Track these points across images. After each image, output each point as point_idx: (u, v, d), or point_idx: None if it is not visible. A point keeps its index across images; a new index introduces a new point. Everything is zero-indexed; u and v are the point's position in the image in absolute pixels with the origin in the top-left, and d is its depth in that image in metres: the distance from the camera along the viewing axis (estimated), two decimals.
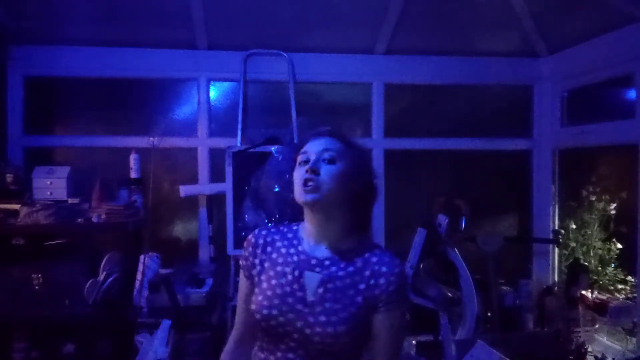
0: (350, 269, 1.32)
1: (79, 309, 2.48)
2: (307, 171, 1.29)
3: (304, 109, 3.08)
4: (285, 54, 3.04)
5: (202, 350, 2.53)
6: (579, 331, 2.72)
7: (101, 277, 2.54)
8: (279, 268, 1.34)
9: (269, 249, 1.38)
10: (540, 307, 3.07)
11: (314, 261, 1.33)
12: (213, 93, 3.13)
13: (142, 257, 2.68)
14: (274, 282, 1.33)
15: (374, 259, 1.35)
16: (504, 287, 3.05)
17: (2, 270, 2.49)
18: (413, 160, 3.27)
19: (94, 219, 2.53)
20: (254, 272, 1.37)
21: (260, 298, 1.32)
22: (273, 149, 2.80)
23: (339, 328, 1.26)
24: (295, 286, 1.31)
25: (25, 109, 2.94)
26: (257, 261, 1.38)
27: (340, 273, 1.32)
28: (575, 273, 2.85)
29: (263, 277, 1.35)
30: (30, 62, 2.91)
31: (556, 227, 3.24)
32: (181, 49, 3.00)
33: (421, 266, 2.62)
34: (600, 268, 2.90)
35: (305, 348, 1.28)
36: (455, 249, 2.63)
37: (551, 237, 3.21)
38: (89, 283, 2.50)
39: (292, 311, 1.29)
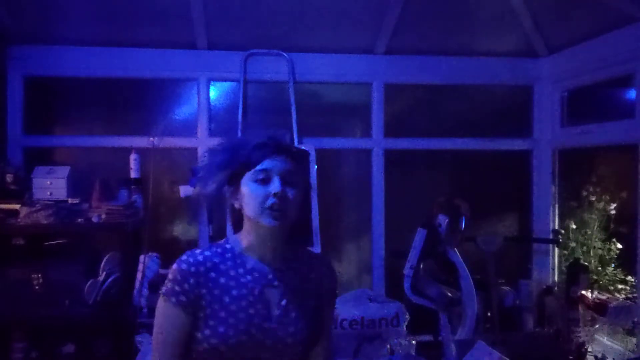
0: (299, 275, 1.38)
1: (78, 309, 2.48)
2: (275, 194, 1.26)
3: (304, 109, 3.08)
4: (285, 54, 3.04)
5: None
6: (579, 331, 2.72)
7: (101, 277, 2.55)
8: (234, 292, 1.29)
9: (212, 274, 1.29)
10: (540, 307, 3.06)
11: (270, 276, 1.33)
12: (213, 93, 3.13)
13: (142, 257, 2.68)
14: (233, 307, 1.28)
15: (314, 261, 1.44)
16: (504, 287, 3.05)
17: (2, 270, 2.50)
18: (413, 160, 3.27)
19: (94, 219, 2.53)
20: (203, 303, 1.27)
21: (222, 329, 1.26)
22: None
23: (305, 333, 1.33)
24: (259, 305, 1.30)
25: (25, 109, 2.93)
26: (203, 291, 1.27)
27: (293, 281, 1.36)
28: (575, 273, 2.85)
29: (217, 307, 1.27)
30: (30, 62, 2.91)
31: (556, 227, 3.24)
32: (181, 49, 3.00)
33: (421, 266, 2.61)
34: (600, 268, 2.90)
35: None
36: (455, 249, 2.63)
37: (551, 237, 3.21)
38: (89, 283, 2.50)
39: (260, 331, 1.28)
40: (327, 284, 1.43)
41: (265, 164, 1.29)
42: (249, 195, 1.29)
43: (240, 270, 1.32)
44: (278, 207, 1.27)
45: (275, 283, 1.33)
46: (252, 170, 1.30)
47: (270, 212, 1.27)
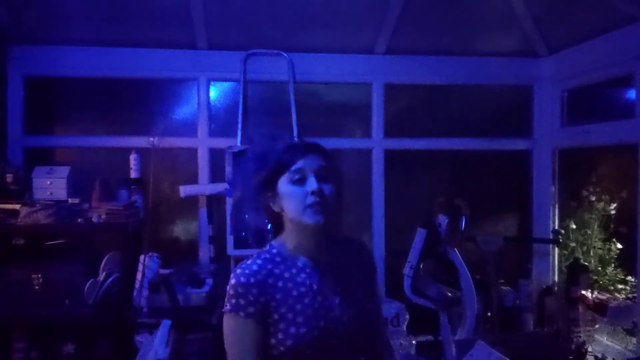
0: (344, 261, 1.43)
1: (79, 309, 2.48)
2: (313, 192, 1.30)
3: (304, 109, 3.08)
4: (285, 54, 3.04)
5: (202, 350, 2.53)
6: (579, 331, 2.72)
7: (101, 277, 2.54)
8: (294, 292, 1.32)
9: (270, 280, 1.31)
10: (540, 307, 3.07)
11: (320, 268, 1.37)
12: (213, 93, 3.13)
13: (142, 257, 2.68)
14: (298, 307, 1.31)
15: (349, 243, 1.51)
16: (504, 287, 3.05)
17: (2, 270, 2.49)
18: (413, 160, 3.27)
19: (94, 219, 2.52)
20: (270, 309, 1.29)
21: (293, 329, 1.28)
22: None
23: (367, 313, 1.38)
24: (319, 298, 1.33)
25: (25, 109, 2.93)
26: (268, 298, 1.30)
27: (341, 269, 1.41)
28: (575, 273, 2.85)
29: (283, 310, 1.30)
30: (30, 62, 2.91)
31: (556, 227, 3.24)
32: (181, 49, 3.00)
33: (421, 266, 2.61)
34: (600, 268, 2.90)
35: (348, 352, 1.33)
36: (455, 249, 2.63)
37: (551, 237, 3.21)
38: (89, 283, 2.50)
39: (329, 322, 1.32)
40: (367, 264, 1.49)
41: (299, 164, 1.33)
42: (289, 196, 1.33)
43: (294, 271, 1.36)
44: (318, 204, 1.30)
45: (327, 274, 1.37)
46: (287, 172, 1.33)
47: (311, 210, 1.30)
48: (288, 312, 1.30)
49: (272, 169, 1.35)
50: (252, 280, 1.29)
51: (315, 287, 1.34)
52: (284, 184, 1.33)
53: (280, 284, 1.32)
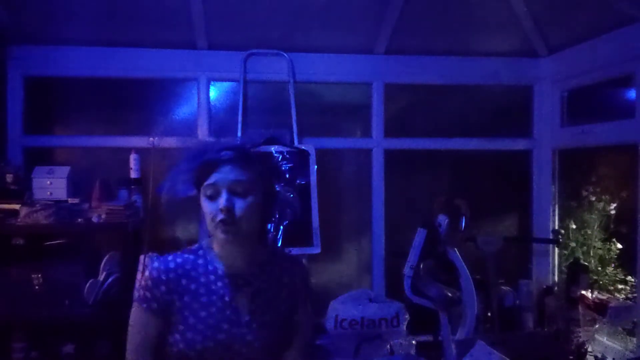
0: (270, 278, 1.38)
1: (78, 309, 2.48)
2: (221, 210, 1.26)
3: (304, 109, 3.08)
4: (285, 54, 3.04)
5: None
6: (579, 331, 2.72)
7: (101, 277, 2.54)
8: (203, 299, 1.31)
9: (183, 281, 1.31)
10: (540, 307, 3.07)
11: (240, 281, 1.34)
12: (213, 93, 3.12)
13: (142, 257, 2.68)
14: (203, 314, 1.29)
15: (286, 264, 1.44)
16: (504, 287, 3.05)
17: (2, 270, 2.49)
18: (413, 160, 3.27)
19: (94, 219, 2.52)
20: (173, 309, 1.29)
21: (190, 334, 1.27)
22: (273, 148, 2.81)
23: (275, 337, 1.33)
24: (228, 311, 1.30)
25: (25, 109, 2.93)
26: (174, 297, 1.30)
27: (264, 285, 1.36)
28: (575, 273, 2.85)
29: (186, 313, 1.29)
30: (30, 62, 2.90)
31: (556, 227, 3.24)
32: (181, 49, 3.00)
33: (421, 266, 2.61)
34: (600, 268, 2.90)
35: None
36: (455, 249, 2.63)
37: (551, 237, 3.21)
38: (89, 283, 2.50)
39: (229, 337, 1.29)
40: (300, 287, 1.42)
41: (212, 178, 1.29)
42: (204, 211, 1.32)
43: (211, 277, 1.33)
44: (227, 222, 1.26)
45: (246, 289, 1.34)
46: (203, 186, 1.31)
47: (220, 227, 1.27)
48: (190, 316, 1.29)
49: (191, 181, 1.33)
50: (163, 277, 1.30)
51: (227, 299, 1.31)
52: (201, 197, 1.32)
53: (192, 286, 1.31)
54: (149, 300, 1.30)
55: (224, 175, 1.29)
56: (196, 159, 1.33)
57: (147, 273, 1.33)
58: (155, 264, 1.33)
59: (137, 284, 1.36)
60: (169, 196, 1.37)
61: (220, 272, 1.34)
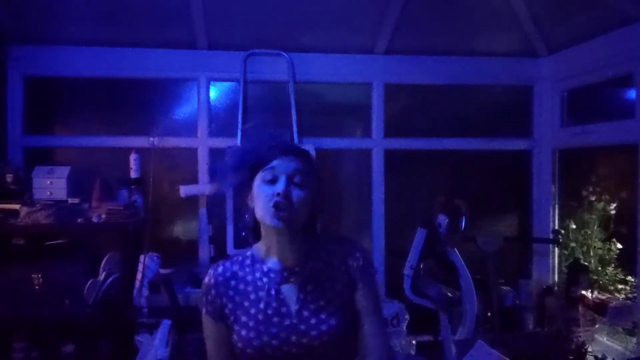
0: (319, 264, 1.36)
1: (79, 309, 2.48)
2: (278, 194, 1.26)
3: (304, 109, 3.08)
4: (285, 54, 3.04)
5: (202, 350, 2.53)
6: (579, 331, 2.72)
7: (101, 277, 2.55)
8: (252, 296, 1.33)
9: (232, 282, 1.34)
10: (540, 307, 3.06)
11: (285, 273, 1.34)
12: (213, 93, 3.13)
13: (142, 257, 2.68)
14: (252, 311, 1.31)
15: (335, 247, 1.40)
16: (504, 287, 3.05)
17: (2, 270, 2.49)
18: (413, 160, 3.27)
19: (94, 219, 2.53)
20: (227, 311, 1.33)
21: (244, 333, 1.30)
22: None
23: (332, 322, 1.30)
24: (275, 304, 1.31)
25: (25, 109, 2.94)
26: (225, 300, 1.33)
27: (313, 272, 1.35)
28: (575, 273, 2.85)
29: (239, 312, 1.32)
30: (30, 62, 2.91)
31: (556, 227, 3.24)
32: (181, 49, 3.00)
33: (421, 266, 2.62)
34: (600, 268, 2.90)
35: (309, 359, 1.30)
36: (455, 249, 2.63)
37: (551, 237, 3.21)
38: (89, 283, 2.50)
39: (282, 329, 1.29)
40: (354, 267, 1.37)
41: (274, 163, 1.31)
42: (257, 194, 1.31)
43: (257, 274, 1.35)
44: (282, 207, 1.26)
45: (292, 279, 1.34)
46: (262, 170, 1.31)
47: (274, 211, 1.26)
48: (243, 315, 1.32)
49: (249, 166, 1.34)
50: (212, 281, 1.35)
51: (273, 291, 1.32)
52: (257, 182, 1.32)
53: (241, 286, 1.34)
54: (206, 305, 1.35)
55: (286, 162, 1.31)
56: (256, 150, 1.34)
57: (204, 281, 1.38)
58: (210, 271, 1.38)
59: None
60: (222, 183, 1.41)
61: (265, 268, 1.35)
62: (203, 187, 2.99)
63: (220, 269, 1.37)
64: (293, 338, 1.29)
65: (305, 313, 1.31)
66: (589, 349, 2.64)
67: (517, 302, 3.06)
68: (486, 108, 3.35)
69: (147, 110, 3.11)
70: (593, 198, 2.95)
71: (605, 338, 2.77)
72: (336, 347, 1.31)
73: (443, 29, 3.04)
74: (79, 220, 2.53)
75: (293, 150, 1.35)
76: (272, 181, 1.29)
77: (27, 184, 2.63)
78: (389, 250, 3.16)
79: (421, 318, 2.77)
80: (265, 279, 1.34)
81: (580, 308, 2.77)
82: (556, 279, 3.21)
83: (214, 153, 3.04)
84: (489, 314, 2.81)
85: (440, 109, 3.31)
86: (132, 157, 2.84)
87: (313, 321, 1.30)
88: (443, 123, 3.28)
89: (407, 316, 2.80)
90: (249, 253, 1.39)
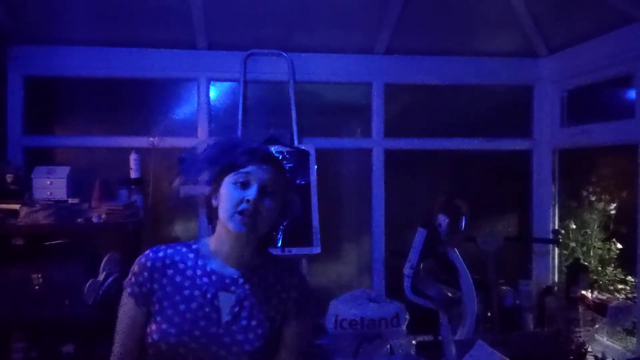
0: (263, 284, 1.34)
1: (78, 309, 2.48)
2: (248, 200, 1.25)
3: (304, 109, 3.08)
4: (285, 54, 3.04)
5: None
6: (579, 331, 2.72)
7: (101, 277, 2.54)
8: (186, 292, 1.29)
9: (169, 271, 1.31)
10: (540, 307, 3.06)
11: (227, 280, 1.31)
12: (213, 93, 3.12)
13: None
14: (182, 307, 1.27)
15: (284, 272, 1.38)
16: (504, 287, 3.05)
17: (2, 270, 2.49)
18: (413, 160, 3.27)
19: (94, 219, 2.52)
20: (153, 298, 1.29)
21: (164, 326, 1.26)
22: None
23: (256, 344, 1.27)
24: (208, 309, 1.28)
25: (25, 109, 2.93)
26: (155, 286, 1.29)
27: (254, 289, 1.32)
28: (575, 273, 2.85)
29: (166, 304, 1.28)
30: (30, 62, 2.91)
31: (556, 227, 3.24)
32: (181, 49, 3.00)
33: (421, 266, 2.61)
34: (600, 268, 2.90)
35: None
36: (455, 249, 2.63)
37: (551, 237, 3.21)
38: (89, 283, 2.50)
39: (205, 335, 1.26)
40: (294, 297, 1.36)
41: (249, 168, 1.29)
42: (225, 196, 1.30)
43: (199, 272, 1.32)
44: (249, 214, 1.26)
45: (232, 288, 1.31)
46: (235, 172, 1.30)
47: (240, 217, 1.26)
48: (169, 307, 1.28)
49: (224, 164, 1.32)
50: (148, 264, 1.32)
51: (209, 295, 1.29)
52: (227, 183, 1.31)
53: (178, 278, 1.30)
54: (132, 285, 1.32)
55: (261, 170, 1.29)
56: (232, 149, 1.32)
57: (137, 259, 1.35)
58: (147, 252, 1.35)
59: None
60: (188, 174, 1.39)
61: (208, 268, 1.32)
62: (203, 187, 2.98)
63: (160, 253, 1.33)
64: (213, 348, 1.26)
65: (234, 327, 1.28)
66: (589, 349, 2.64)
67: (517, 302, 3.06)
68: (486, 108, 3.35)
69: (147, 110, 3.11)
70: (593, 198, 2.95)
71: (605, 338, 2.77)
72: None
73: (443, 29, 3.04)
74: (79, 220, 2.53)
75: (271, 160, 1.33)
76: (244, 185, 1.28)
77: (27, 184, 2.63)
78: (389, 250, 3.16)
79: (421, 318, 2.77)
80: (205, 279, 1.30)
81: (580, 308, 2.77)
82: (556, 279, 3.21)
83: None
84: (489, 314, 2.81)
85: (440, 109, 3.30)
86: (132, 157, 2.83)
87: (239, 337, 1.27)
88: (443, 123, 3.28)
89: (407, 316, 2.80)
90: (195, 246, 1.36)
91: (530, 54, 3.21)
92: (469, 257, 2.70)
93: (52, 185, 2.61)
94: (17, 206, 2.49)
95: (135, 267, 1.33)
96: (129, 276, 1.33)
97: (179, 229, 3.13)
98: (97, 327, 2.53)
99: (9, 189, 2.60)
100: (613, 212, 2.88)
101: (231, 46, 3.02)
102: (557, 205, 3.26)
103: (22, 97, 2.92)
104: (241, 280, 1.32)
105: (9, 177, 2.62)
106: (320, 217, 2.87)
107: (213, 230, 1.39)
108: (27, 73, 2.93)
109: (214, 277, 1.31)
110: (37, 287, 2.50)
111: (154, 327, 1.27)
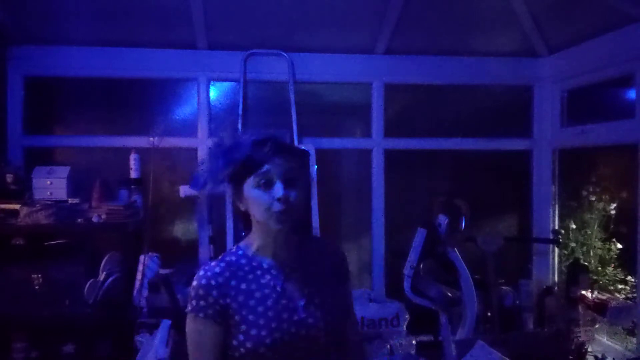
0: (312, 261, 1.42)
1: (79, 309, 2.48)
2: (279, 199, 1.27)
3: (304, 109, 3.08)
4: (285, 54, 3.04)
5: None
6: (579, 331, 2.72)
7: (101, 277, 2.55)
8: (257, 294, 1.31)
9: (233, 282, 1.32)
10: (540, 307, 3.06)
11: (286, 269, 1.36)
12: (213, 93, 3.12)
13: (142, 257, 2.68)
14: (260, 308, 1.30)
15: (321, 245, 1.51)
16: (504, 287, 3.05)
17: (2, 270, 2.49)
18: (413, 160, 3.27)
19: (94, 219, 2.53)
20: (230, 312, 1.29)
21: (254, 332, 1.27)
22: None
23: (334, 314, 1.36)
24: (283, 301, 1.32)
25: (25, 109, 2.93)
26: (228, 301, 1.29)
27: (309, 269, 1.39)
28: (575, 273, 2.85)
29: (245, 312, 1.29)
30: (30, 62, 2.91)
31: (556, 227, 3.24)
32: (181, 49, 3.00)
33: (421, 266, 2.61)
34: (600, 268, 2.90)
35: (314, 354, 1.31)
36: (455, 249, 2.63)
37: (551, 237, 3.21)
38: (89, 283, 2.50)
39: (292, 324, 1.30)
40: (337, 264, 1.48)
41: (266, 167, 1.30)
42: (254, 201, 1.31)
43: (258, 272, 1.35)
44: (284, 212, 1.29)
45: (294, 275, 1.36)
46: (254, 175, 1.30)
47: (277, 217, 1.29)
48: (249, 314, 1.29)
49: (238, 169, 1.31)
50: (212, 282, 1.30)
51: (279, 288, 1.33)
52: (249, 187, 1.31)
53: (243, 286, 1.32)
54: (205, 309, 1.29)
55: (278, 165, 1.30)
56: (238, 148, 1.32)
57: (195, 283, 1.31)
58: (202, 273, 1.32)
59: (188, 296, 1.34)
60: (206, 191, 1.37)
61: (265, 265, 1.36)
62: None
63: (217, 269, 1.32)
64: (303, 332, 1.30)
65: (311, 308, 1.34)
66: (589, 349, 2.64)
67: (517, 302, 3.06)
68: (486, 108, 3.35)
69: (147, 110, 3.11)
70: (593, 198, 2.95)
71: (605, 338, 2.77)
72: (337, 339, 1.36)
73: (443, 29, 3.04)
74: (79, 220, 2.53)
75: (284, 150, 1.33)
76: (267, 185, 1.29)
77: (27, 184, 2.63)
78: (389, 250, 3.16)
79: (421, 318, 2.77)
80: (267, 276, 1.34)
81: (580, 308, 2.77)
82: (556, 279, 3.21)
83: None
84: (489, 314, 2.81)
85: (440, 109, 3.30)
86: (132, 157, 2.84)
87: (319, 314, 1.33)
88: (443, 123, 3.28)
89: (407, 316, 2.80)
90: (240, 252, 1.38)
91: (530, 54, 3.21)
92: (469, 257, 2.70)
93: (52, 185, 2.61)
94: (17, 206, 2.49)
95: (198, 291, 1.30)
96: (194, 303, 1.30)
97: (179, 229, 3.13)
98: (97, 327, 2.55)
99: (9, 189, 2.60)
100: (613, 212, 2.88)
101: (231, 46, 3.02)
102: (557, 205, 3.26)
103: (22, 97, 2.92)
104: (296, 266, 1.38)
105: (9, 177, 2.62)
106: (320, 217, 2.87)
107: (245, 229, 1.42)
108: (27, 73, 2.93)
109: (274, 272, 1.35)
110: (37, 287, 2.51)
111: (241, 337, 1.28)
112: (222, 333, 1.30)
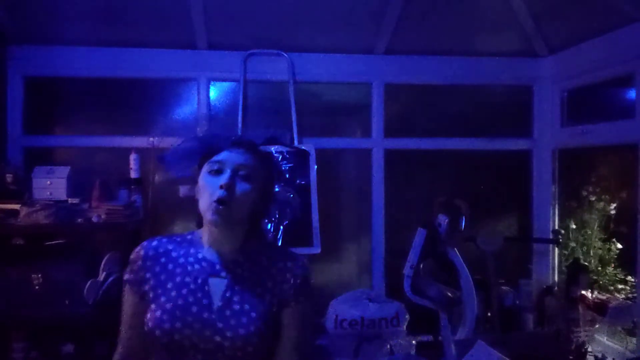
0: (256, 268, 1.33)
1: (78, 309, 2.48)
2: (221, 186, 1.24)
3: (304, 109, 3.08)
4: (285, 54, 3.04)
5: None
6: (579, 331, 2.72)
7: (101, 277, 2.54)
8: (177, 279, 1.29)
9: (162, 259, 1.31)
10: (540, 307, 3.07)
11: (217, 266, 1.31)
12: (213, 93, 3.12)
13: None
14: (173, 293, 1.27)
15: (278, 256, 1.36)
16: (504, 287, 3.05)
17: (2, 270, 2.49)
18: (413, 160, 3.27)
19: (94, 219, 2.52)
20: (146, 287, 1.30)
21: (158, 313, 1.25)
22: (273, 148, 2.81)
23: (250, 328, 1.25)
24: (199, 294, 1.27)
25: (25, 109, 2.93)
26: (148, 275, 1.30)
27: (247, 274, 1.31)
28: (575, 273, 2.85)
29: (160, 291, 1.28)
30: (30, 62, 2.91)
31: (556, 227, 3.24)
32: (181, 49, 3.00)
33: (421, 266, 2.62)
34: (600, 268, 2.90)
35: (213, 358, 1.24)
36: (455, 249, 2.63)
37: (551, 237, 3.21)
38: (89, 283, 2.50)
39: (198, 321, 1.25)
40: (291, 282, 1.32)
41: (222, 155, 1.29)
42: (202, 186, 1.30)
43: (191, 259, 1.33)
44: (223, 201, 1.24)
45: (223, 274, 1.30)
46: (209, 161, 1.30)
47: (215, 205, 1.24)
48: (162, 295, 1.28)
49: (198, 158, 1.33)
50: (142, 253, 1.33)
51: (200, 281, 1.29)
52: (203, 173, 1.31)
53: (170, 266, 1.31)
54: (129, 274, 1.34)
55: (232, 155, 1.30)
56: (208, 139, 1.34)
57: (134, 249, 1.36)
58: (143, 242, 1.36)
59: None
60: (171, 170, 1.38)
61: (200, 255, 1.32)
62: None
63: (154, 243, 1.34)
64: (206, 333, 1.24)
65: (227, 312, 1.26)
66: (589, 349, 2.65)
67: (517, 302, 3.06)
68: (486, 108, 3.35)
69: (147, 110, 3.11)
70: (593, 198, 2.95)
71: (605, 338, 2.77)
72: (244, 354, 1.24)
73: (443, 29, 3.04)
74: (79, 220, 2.53)
75: (244, 144, 1.32)
76: (218, 172, 1.28)
77: (27, 184, 2.63)
78: (389, 250, 3.16)
79: (421, 318, 2.77)
80: (196, 266, 1.31)
81: (580, 308, 2.77)
82: (556, 279, 3.21)
83: None
84: (489, 314, 2.82)
85: (440, 109, 3.31)
86: (132, 157, 2.83)
87: (232, 322, 1.25)
88: (443, 123, 3.28)
89: (407, 316, 2.80)
90: (189, 237, 1.38)
91: (530, 54, 3.21)
92: (469, 257, 2.70)
93: (52, 185, 2.61)
94: (17, 206, 2.49)
95: (131, 256, 1.35)
96: (127, 266, 1.35)
97: (178, 228, 3.13)
98: (97, 327, 2.54)
99: (9, 189, 2.60)
100: (613, 212, 2.88)
101: (231, 46, 3.02)
102: (557, 205, 3.26)
103: (22, 97, 2.92)
104: (232, 266, 1.31)
105: (9, 177, 2.62)
106: (320, 217, 2.87)
107: (198, 223, 1.40)
108: (27, 73, 2.93)
109: (204, 264, 1.32)
110: (37, 287, 2.50)
111: (149, 315, 1.27)
112: (137, 303, 1.31)
